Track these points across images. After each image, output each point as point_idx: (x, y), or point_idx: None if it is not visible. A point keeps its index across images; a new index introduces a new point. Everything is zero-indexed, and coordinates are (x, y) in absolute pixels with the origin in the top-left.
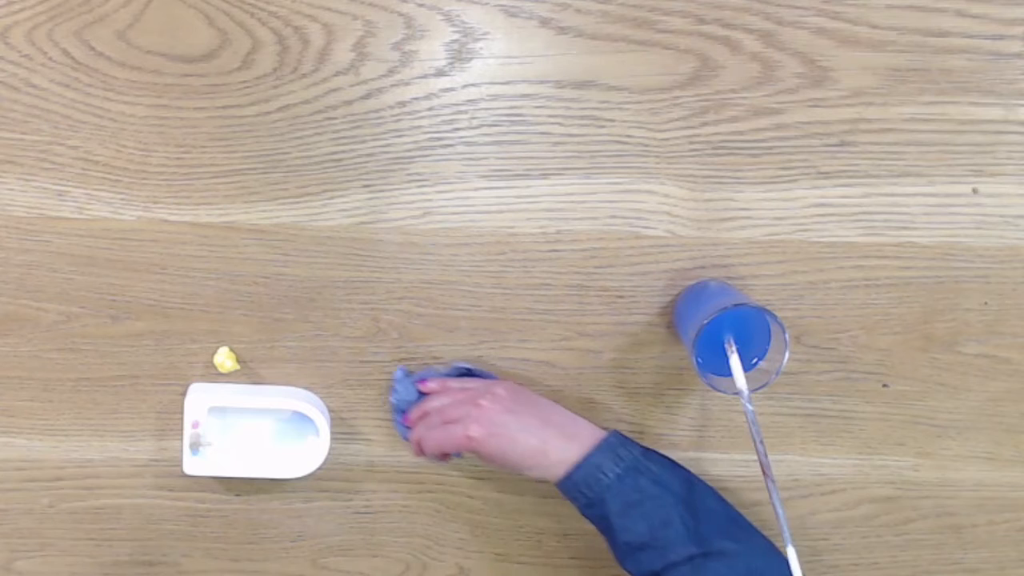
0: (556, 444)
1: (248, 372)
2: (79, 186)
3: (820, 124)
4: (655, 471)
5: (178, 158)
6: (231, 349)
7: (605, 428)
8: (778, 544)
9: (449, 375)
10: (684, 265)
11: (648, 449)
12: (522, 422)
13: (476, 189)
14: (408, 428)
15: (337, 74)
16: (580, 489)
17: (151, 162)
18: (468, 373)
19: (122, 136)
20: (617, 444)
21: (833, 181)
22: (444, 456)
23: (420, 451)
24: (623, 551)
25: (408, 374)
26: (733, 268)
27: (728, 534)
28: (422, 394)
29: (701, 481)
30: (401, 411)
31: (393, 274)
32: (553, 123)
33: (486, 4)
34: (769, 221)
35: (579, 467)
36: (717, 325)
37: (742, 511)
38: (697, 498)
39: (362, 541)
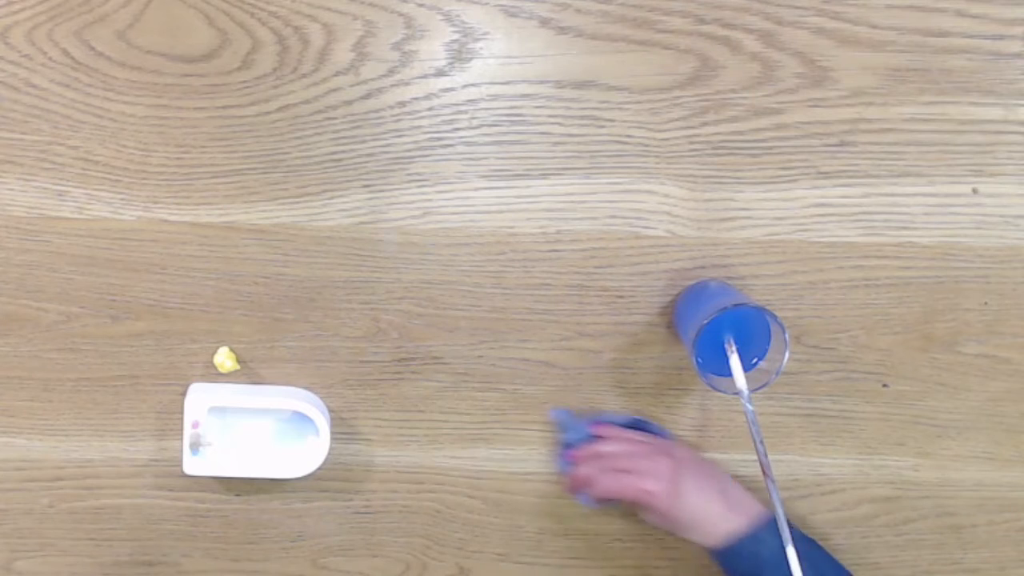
0: (723, 514)
1: (248, 372)
2: (79, 186)
3: (820, 124)
4: (813, 555)
5: (178, 158)
6: (231, 349)
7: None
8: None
9: (622, 424)
10: (684, 265)
11: (804, 535)
12: (699, 485)
13: (476, 189)
14: (570, 464)
15: (337, 74)
16: (740, 561)
17: (151, 162)
18: (638, 426)
19: (122, 136)
20: (773, 524)
21: (833, 181)
22: (605, 501)
23: (577, 487)
24: None
25: (573, 415)
26: (733, 268)
27: None
28: (591, 436)
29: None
30: (568, 447)
31: (393, 274)
32: (553, 123)
33: (486, 4)
34: (769, 221)
35: (743, 540)
36: (717, 325)
37: None
38: None
39: (362, 541)
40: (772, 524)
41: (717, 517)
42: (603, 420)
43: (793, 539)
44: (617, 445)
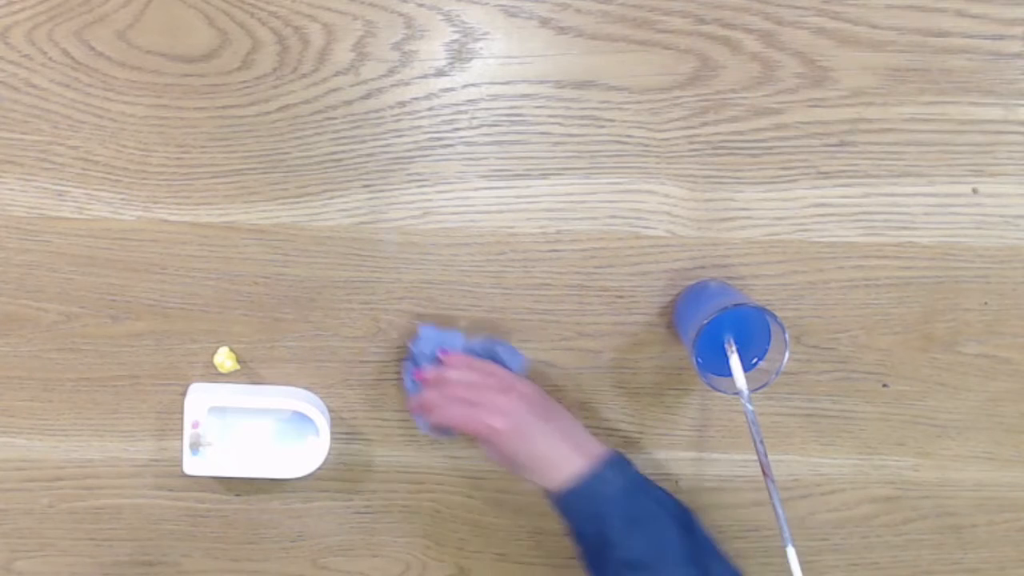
0: (566, 455)
1: (248, 372)
2: (79, 186)
3: (820, 124)
4: (657, 493)
5: (178, 158)
6: (231, 349)
7: (609, 448)
8: (777, 544)
9: (475, 352)
10: (684, 265)
11: (647, 478)
12: (542, 427)
13: (476, 189)
14: (417, 384)
15: (337, 74)
16: (582, 502)
17: (151, 162)
18: (494, 357)
19: (122, 136)
20: (623, 462)
21: (833, 181)
22: (443, 430)
23: (421, 412)
24: (615, 568)
25: (437, 331)
26: (733, 268)
27: (725, 566)
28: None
29: (697, 515)
30: (415, 364)
31: (393, 274)
32: (553, 123)
33: (486, 4)
34: (769, 221)
35: (585, 480)
36: (717, 325)
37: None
38: (695, 525)
39: (362, 541)
40: (616, 461)
41: (560, 458)
42: (454, 343)
43: (664, 504)
44: (465, 374)
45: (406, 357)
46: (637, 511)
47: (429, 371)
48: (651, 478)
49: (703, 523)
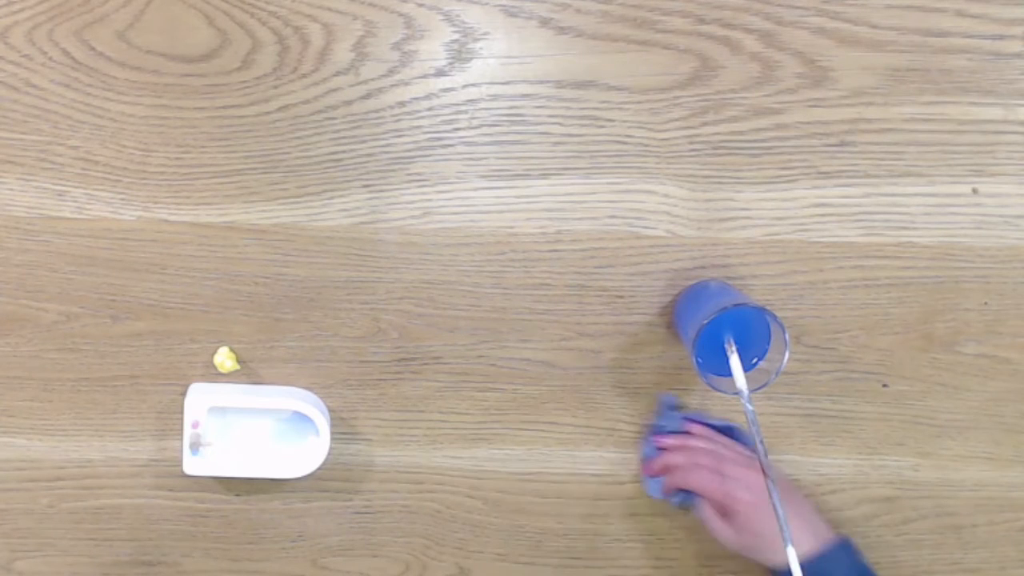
0: (799, 535)
1: (248, 372)
2: (79, 186)
3: (820, 124)
4: None
5: (178, 158)
6: (231, 349)
7: (840, 535)
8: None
9: (716, 427)
10: (684, 265)
11: (872, 568)
12: (783, 504)
13: (476, 189)
14: (655, 449)
15: (337, 74)
16: None
17: (151, 162)
18: (730, 434)
19: (122, 136)
20: (851, 548)
21: (833, 181)
22: (680, 495)
23: (657, 472)
24: None
25: (675, 407)
26: (733, 268)
27: None
28: (683, 431)
29: None
30: (658, 432)
31: (393, 274)
32: (553, 123)
33: (486, 4)
34: (769, 221)
35: (813, 560)
36: (717, 325)
37: None
38: None
39: (362, 541)
40: (845, 546)
41: (794, 538)
42: (698, 419)
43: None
44: (711, 444)
45: (652, 429)
46: None
47: (673, 437)
48: None
49: None
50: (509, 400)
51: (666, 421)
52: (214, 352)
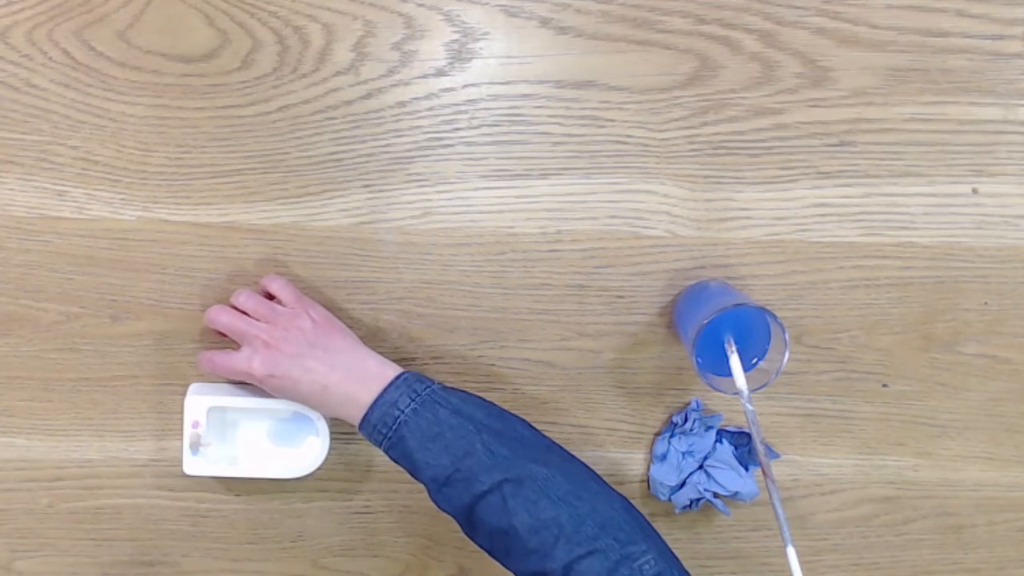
0: (344, 389)
1: None
2: (79, 186)
3: (820, 124)
4: (454, 402)
5: (178, 158)
6: None
7: (403, 369)
8: (777, 544)
9: (731, 433)
10: (684, 265)
11: (451, 387)
12: (306, 365)
13: (476, 189)
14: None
15: (337, 74)
16: (378, 428)
17: (151, 162)
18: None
19: (122, 136)
20: (413, 380)
21: (833, 181)
22: (679, 496)
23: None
24: (432, 488)
25: (698, 410)
26: (733, 268)
27: (539, 459)
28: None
29: (513, 414)
30: (672, 435)
31: (393, 274)
32: (553, 123)
33: (486, 4)
34: (769, 221)
35: (373, 407)
36: (717, 325)
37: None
38: (506, 426)
39: (362, 541)
40: (403, 382)
41: (333, 395)
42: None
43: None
44: (250, 317)
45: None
46: (433, 427)
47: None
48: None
49: (518, 419)
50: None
51: (689, 425)
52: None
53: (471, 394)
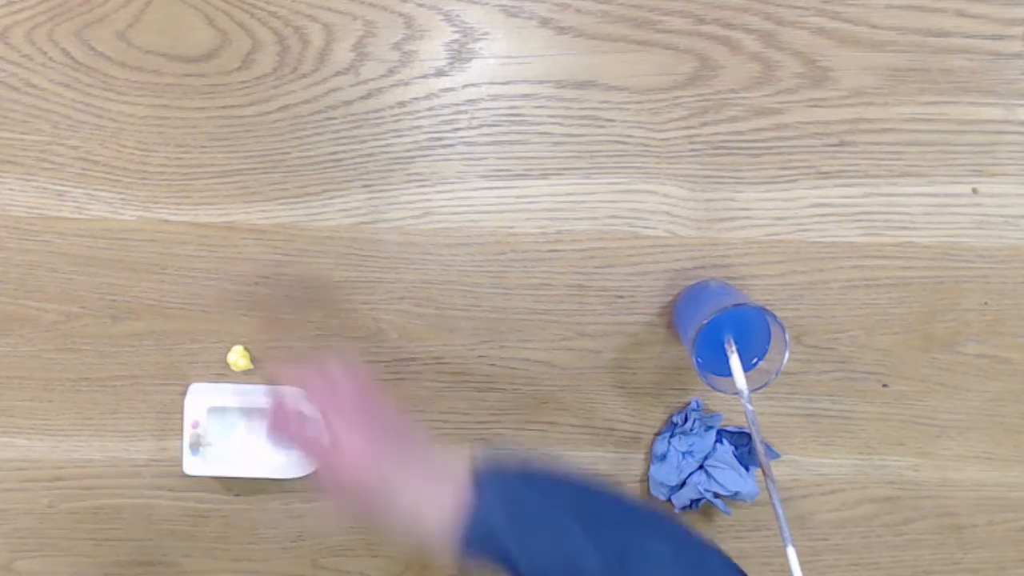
0: (428, 497)
1: (249, 372)
2: (79, 186)
3: (820, 124)
4: (541, 486)
5: (178, 158)
6: (246, 348)
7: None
8: (777, 544)
9: (732, 433)
10: (684, 265)
11: (515, 471)
12: (384, 474)
13: (476, 189)
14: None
15: (337, 74)
16: (483, 551)
17: (151, 162)
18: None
19: (122, 136)
20: (491, 479)
21: (833, 181)
22: (679, 496)
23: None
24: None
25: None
26: (733, 268)
27: (655, 531)
28: None
29: (586, 480)
30: (672, 435)
31: (393, 274)
32: (553, 123)
33: (486, 4)
34: (769, 221)
35: (469, 527)
36: (717, 325)
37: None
38: (597, 503)
39: (362, 541)
40: (484, 484)
41: (424, 506)
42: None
43: (560, 483)
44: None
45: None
46: (523, 523)
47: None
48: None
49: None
50: (509, 400)
51: (689, 424)
52: (226, 351)
53: (548, 479)
